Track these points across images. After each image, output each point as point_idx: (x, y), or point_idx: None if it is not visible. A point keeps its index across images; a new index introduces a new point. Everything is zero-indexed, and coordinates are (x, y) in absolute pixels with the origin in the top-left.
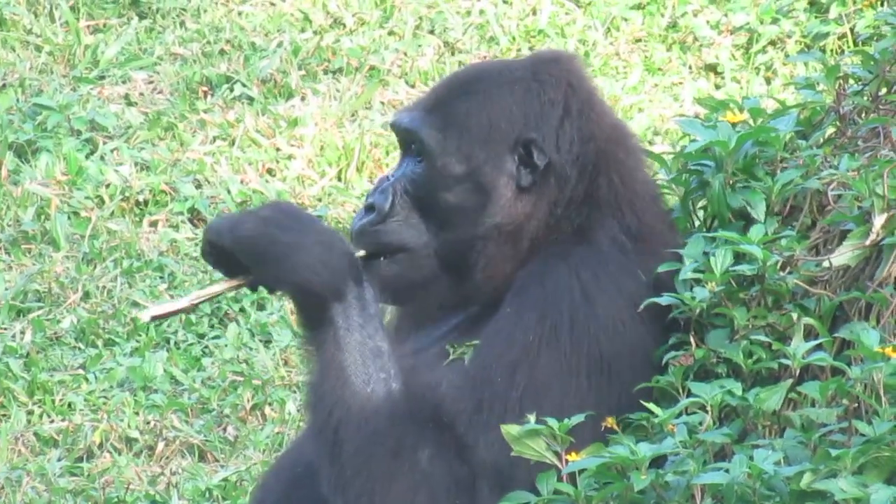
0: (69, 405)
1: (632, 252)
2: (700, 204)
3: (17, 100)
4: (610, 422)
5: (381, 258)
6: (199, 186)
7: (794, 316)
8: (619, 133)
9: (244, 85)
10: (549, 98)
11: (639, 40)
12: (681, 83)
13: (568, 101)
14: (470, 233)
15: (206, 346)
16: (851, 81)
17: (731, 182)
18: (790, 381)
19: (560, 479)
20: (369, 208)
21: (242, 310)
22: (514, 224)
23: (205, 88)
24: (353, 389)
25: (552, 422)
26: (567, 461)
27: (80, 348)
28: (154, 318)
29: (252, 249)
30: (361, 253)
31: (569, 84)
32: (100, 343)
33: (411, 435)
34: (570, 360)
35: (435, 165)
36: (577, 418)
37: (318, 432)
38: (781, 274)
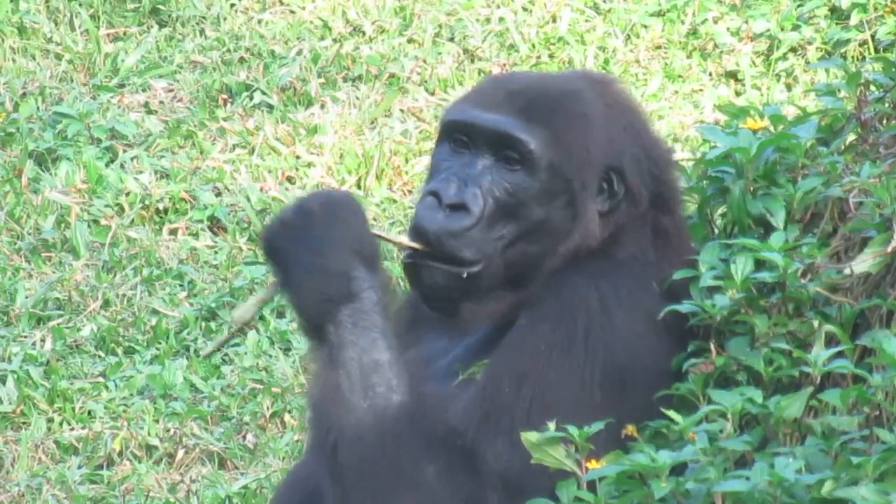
0: (89, 413)
1: (652, 264)
2: (719, 211)
3: (38, 108)
4: (630, 429)
5: (445, 264)
6: (218, 194)
7: (815, 323)
8: (665, 152)
9: (264, 93)
10: (625, 125)
11: (659, 47)
12: (701, 90)
13: (635, 126)
14: (547, 250)
15: (226, 354)
16: (873, 88)
17: (751, 189)
18: (811, 388)
19: (579, 487)
20: (456, 207)
21: (262, 317)
22: (587, 247)
23: (224, 96)
24: (349, 406)
25: (572, 429)
26: (587, 469)
27: (100, 356)
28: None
29: (266, 255)
30: (416, 246)
31: (630, 108)
32: (120, 351)
33: (415, 449)
34: (584, 371)
35: (538, 177)
36: (597, 426)
37: (318, 451)
38: (802, 281)
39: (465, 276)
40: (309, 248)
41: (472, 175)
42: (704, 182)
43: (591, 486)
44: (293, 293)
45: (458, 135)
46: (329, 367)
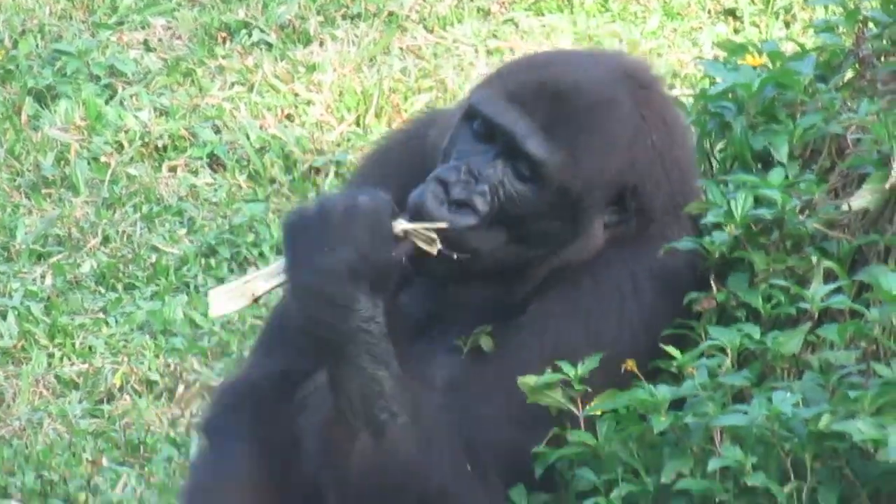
0: (90, 348)
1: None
2: (718, 146)
3: (37, 45)
4: (630, 364)
5: (452, 254)
6: (217, 132)
7: (814, 259)
8: (690, 174)
9: (262, 31)
10: (655, 142)
11: None
12: (700, 28)
13: (666, 143)
14: (544, 254)
15: None
16: (871, 25)
17: (752, 124)
18: (809, 324)
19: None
20: (461, 204)
21: (262, 254)
22: (583, 256)
23: (223, 34)
24: (352, 433)
25: (567, 369)
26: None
27: (100, 292)
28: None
29: (283, 239)
30: (434, 250)
31: (664, 121)
32: (120, 287)
33: (421, 476)
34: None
35: (546, 194)
36: (592, 362)
37: (324, 474)
38: (801, 218)
39: (455, 257)
40: (317, 263)
41: (483, 172)
42: (705, 117)
43: (591, 425)
44: (297, 300)
45: (478, 124)
46: (331, 392)
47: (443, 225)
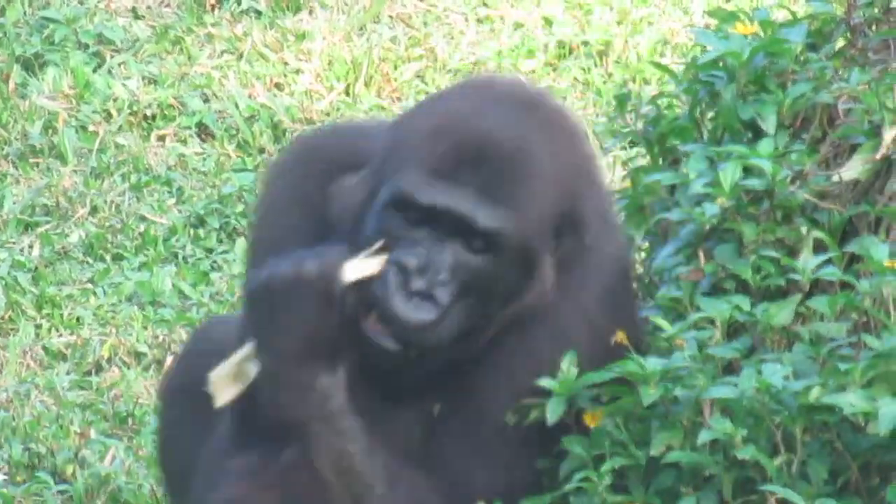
0: (77, 319)
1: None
2: (709, 115)
3: (25, 13)
4: (620, 337)
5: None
6: (206, 101)
7: (804, 230)
8: (595, 162)
9: None
10: (569, 161)
11: None
12: None
13: (577, 157)
14: (503, 309)
15: (215, 261)
16: None
17: (742, 93)
18: (799, 295)
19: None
20: (427, 296)
21: (252, 224)
22: (541, 298)
23: (212, 2)
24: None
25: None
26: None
27: (88, 262)
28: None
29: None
30: (393, 347)
31: (568, 135)
32: (108, 257)
33: None
34: None
35: (505, 259)
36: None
37: None
38: (791, 188)
39: (411, 354)
40: (271, 347)
41: (438, 259)
42: (696, 86)
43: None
44: (263, 375)
45: (412, 213)
46: (304, 467)
47: (383, 258)
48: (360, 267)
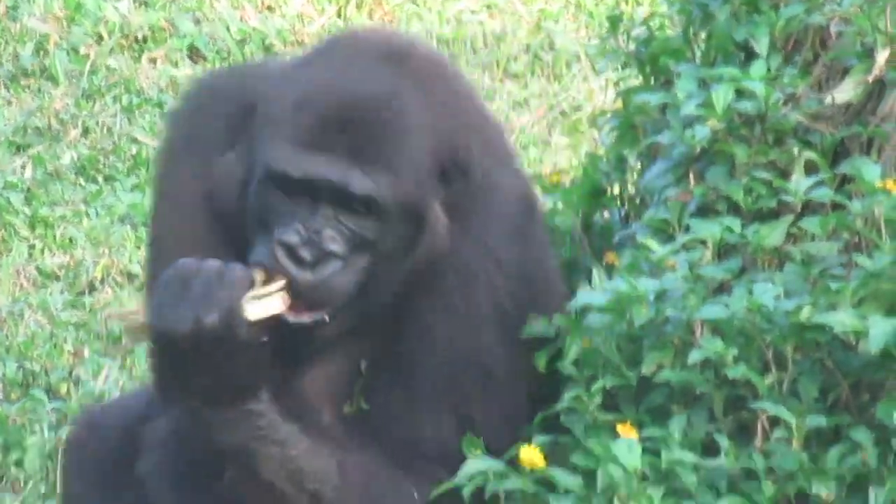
0: (70, 240)
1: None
2: (701, 36)
3: None
4: (611, 258)
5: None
6: (198, 23)
7: (795, 151)
8: (476, 100)
9: None
10: (445, 106)
11: None
12: None
13: (452, 100)
14: (403, 263)
15: None
16: None
17: (736, 14)
18: (791, 216)
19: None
20: (322, 257)
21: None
22: (437, 245)
23: None
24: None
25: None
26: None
27: (80, 184)
28: None
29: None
30: (314, 318)
31: (441, 79)
32: (100, 179)
33: None
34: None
35: (390, 216)
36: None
37: None
38: (783, 110)
39: (328, 320)
40: (187, 394)
41: (323, 229)
42: (689, 6)
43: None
44: (187, 414)
45: (286, 187)
46: (255, 474)
47: (282, 283)
48: (262, 307)
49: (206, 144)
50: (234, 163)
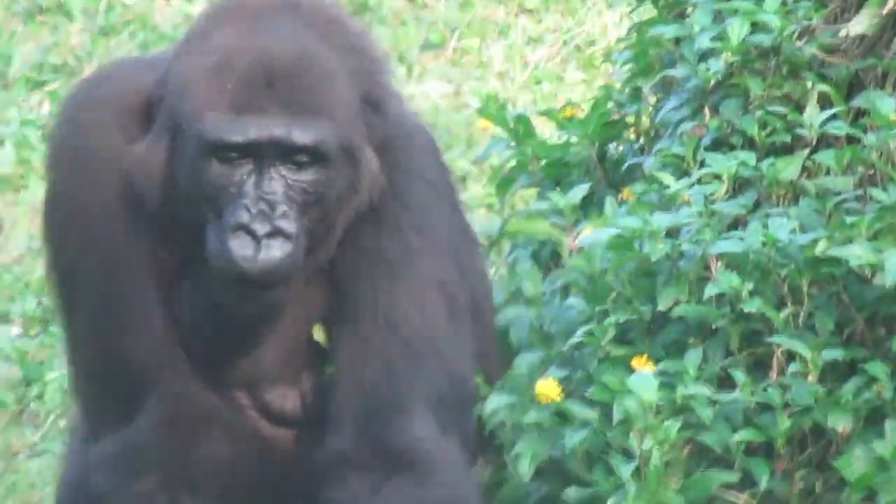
0: None
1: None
2: None
3: None
4: (626, 194)
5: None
6: None
7: (810, 84)
8: (376, 53)
9: None
10: (353, 54)
11: None
12: None
13: (355, 45)
14: (345, 209)
15: None
16: None
17: None
18: (806, 150)
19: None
20: (271, 235)
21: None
22: (374, 188)
23: None
24: None
25: (556, 198)
26: (576, 237)
27: None
28: None
29: None
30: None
31: (341, 25)
32: None
33: None
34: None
35: (332, 165)
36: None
37: None
38: (798, 44)
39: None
40: None
41: (271, 193)
42: None
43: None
44: None
45: (227, 153)
46: None
47: None
48: None
49: (109, 146)
50: (150, 151)
